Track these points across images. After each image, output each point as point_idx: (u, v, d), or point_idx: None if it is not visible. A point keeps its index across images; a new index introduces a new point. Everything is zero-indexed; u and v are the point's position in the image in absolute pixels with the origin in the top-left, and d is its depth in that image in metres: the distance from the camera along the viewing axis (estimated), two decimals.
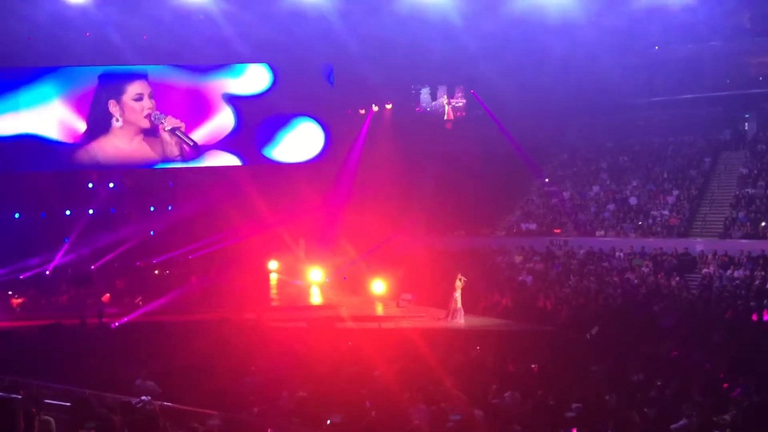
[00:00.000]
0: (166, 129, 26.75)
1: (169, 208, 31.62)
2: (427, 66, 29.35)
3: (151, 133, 27.06)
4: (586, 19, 22.48)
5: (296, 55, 26.41)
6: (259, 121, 28.10)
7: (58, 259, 27.65)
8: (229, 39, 24.42)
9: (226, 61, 27.18)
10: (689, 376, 12.74)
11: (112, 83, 27.01)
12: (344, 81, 27.83)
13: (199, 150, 27.40)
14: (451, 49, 25.63)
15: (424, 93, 33.57)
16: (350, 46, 24.76)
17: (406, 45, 25.54)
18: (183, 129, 26.99)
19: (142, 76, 26.96)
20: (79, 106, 26.89)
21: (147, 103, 26.86)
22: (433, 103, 33.39)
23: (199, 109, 27.79)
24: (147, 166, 28.07)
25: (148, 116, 26.77)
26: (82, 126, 26.97)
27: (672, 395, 11.33)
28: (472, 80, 31.66)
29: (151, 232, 30.23)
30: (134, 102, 26.83)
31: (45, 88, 26.51)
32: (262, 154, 28.75)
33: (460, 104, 32.75)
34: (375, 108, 32.38)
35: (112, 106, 26.85)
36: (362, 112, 32.53)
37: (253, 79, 27.76)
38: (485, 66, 27.15)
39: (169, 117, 26.89)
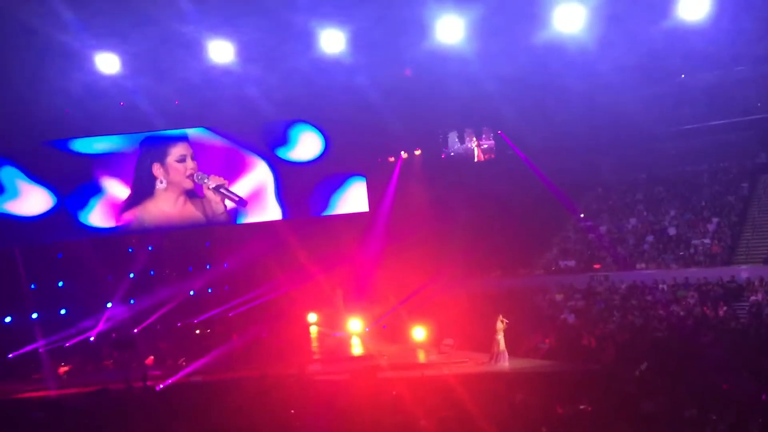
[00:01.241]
0: (210, 187, 27.21)
1: (207, 266, 32.03)
2: (452, 110, 29.55)
3: (194, 194, 27.57)
4: (606, 53, 22.51)
5: (322, 109, 26.80)
6: (303, 179, 28.36)
7: (102, 324, 28.06)
8: (253, 98, 24.93)
9: (259, 121, 27.62)
10: (745, 409, 12.33)
11: (155, 146, 27.71)
12: (371, 130, 28.13)
13: (244, 204, 27.68)
14: (474, 92, 25.80)
15: (452, 137, 33.79)
16: (373, 95, 25.08)
17: (429, 91, 25.79)
18: (227, 186, 27.40)
19: (183, 139, 27.64)
20: (123, 172, 27.63)
21: (190, 164, 27.43)
22: (462, 146, 33.56)
23: (237, 167, 28.27)
24: (193, 227, 28.47)
25: (191, 176, 27.30)
26: (125, 191, 27.65)
27: (728, 429, 10.98)
28: (498, 121, 31.80)
29: (191, 292, 30.59)
30: (178, 163, 27.41)
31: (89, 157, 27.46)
32: (307, 209, 28.86)
33: (489, 146, 32.87)
34: (404, 155, 32.65)
35: (156, 169, 27.50)
36: (392, 159, 32.80)
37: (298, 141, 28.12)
38: (510, 107, 27.25)
39: (213, 176, 27.38)
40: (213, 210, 27.54)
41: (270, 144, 27.95)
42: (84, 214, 27.34)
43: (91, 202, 27.46)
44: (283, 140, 27.87)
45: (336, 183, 28.10)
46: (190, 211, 27.73)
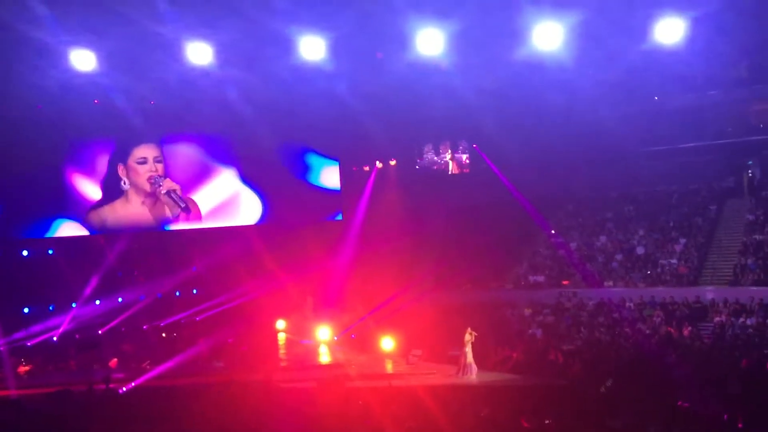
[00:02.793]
0: (162, 192, 27.16)
1: (175, 271, 31.67)
2: (430, 122, 29.70)
3: (152, 196, 27.45)
4: (584, 71, 22.80)
5: (301, 116, 26.76)
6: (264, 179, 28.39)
7: (65, 324, 27.58)
8: (232, 101, 24.80)
9: (233, 125, 27.53)
10: (707, 428, 12.49)
11: (122, 147, 27.52)
12: (347, 138, 28.15)
13: (188, 211, 27.64)
14: (452, 104, 25.96)
15: (428, 148, 33.89)
16: (351, 104, 25.10)
17: (407, 102, 25.90)
18: (179, 192, 27.35)
19: (152, 141, 27.47)
20: (94, 172, 27.41)
21: (150, 166, 27.32)
22: (437, 158, 33.68)
23: (206, 171, 28.19)
24: (151, 229, 28.31)
25: (150, 179, 27.21)
26: (97, 192, 27.39)
27: None
28: (474, 135, 31.98)
29: (158, 295, 30.22)
30: (138, 165, 27.31)
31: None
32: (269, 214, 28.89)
33: (465, 158, 33.01)
34: (379, 165, 32.67)
35: (120, 170, 27.29)
36: (366, 169, 32.80)
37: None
38: (486, 121, 27.45)
39: (167, 180, 27.29)
40: (167, 212, 27.53)
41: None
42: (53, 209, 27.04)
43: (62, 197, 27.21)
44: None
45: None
46: (146, 214, 27.73)
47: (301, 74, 22.49)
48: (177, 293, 31.19)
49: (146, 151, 27.47)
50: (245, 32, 20.25)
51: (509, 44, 20.93)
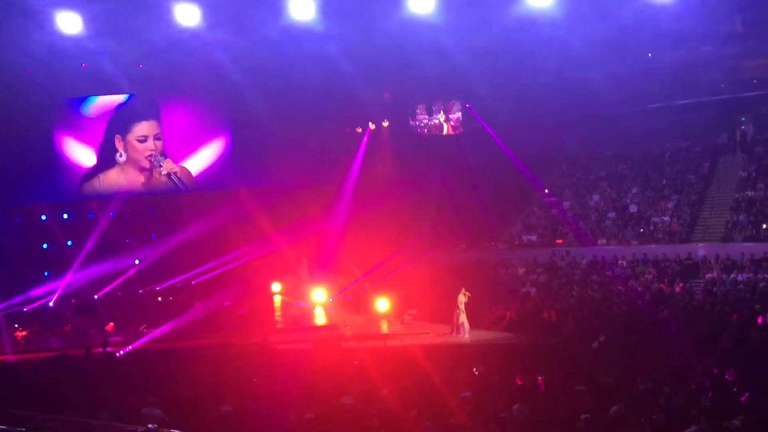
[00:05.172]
0: (163, 173, 27.12)
1: (171, 233, 31.63)
2: (422, 82, 29.45)
3: (148, 171, 27.37)
4: (576, 29, 22.56)
5: (291, 77, 26.47)
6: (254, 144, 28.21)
7: (61, 289, 27.64)
8: (222, 64, 24.51)
9: (224, 88, 27.21)
10: (697, 382, 12.69)
11: (122, 118, 27.28)
12: (339, 100, 27.90)
13: (187, 190, 27.68)
14: (445, 64, 25.72)
15: (421, 109, 33.66)
16: (343, 65, 24.84)
17: (399, 62, 25.64)
18: (179, 174, 27.28)
19: (152, 117, 27.23)
20: (89, 137, 27.20)
21: (150, 144, 27.19)
22: (430, 118, 33.47)
23: (200, 137, 28.07)
24: (138, 195, 28.32)
25: (149, 157, 27.12)
26: (91, 157, 27.23)
27: (681, 402, 11.29)
28: (467, 95, 31.76)
29: (153, 259, 30.21)
30: (138, 143, 27.16)
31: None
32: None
33: (458, 119, 32.82)
34: (372, 126, 32.48)
35: (118, 142, 27.12)
36: (359, 130, 32.62)
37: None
38: (479, 80, 27.24)
39: (168, 160, 27.20)
40: (160, 189, 27.58)
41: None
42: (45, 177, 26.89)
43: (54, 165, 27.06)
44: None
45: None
46: (142, 185, 27.69)
47: (291, 35, 22.20)
48: (172, 257, 31.23)
49: (146, 129, 27.31)
50: None
51: (501, 2, 20.69)
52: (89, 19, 20.92)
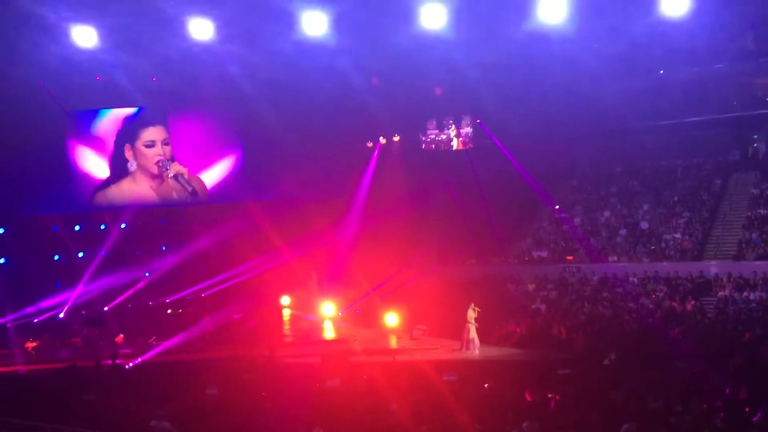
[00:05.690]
0: (170, 176, 27.14)
1: (182, 247, 31.72)
2: (433, 97, 29.53)
3: (159, 177, 27.44)
4: (588, 45, 22.58)
5: (303, 91, 26.59)
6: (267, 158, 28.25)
7: (72, 301, 27.73)
8: (235, 77, 24.65)
9: (236, 102, 27.34)
10: (709, 402, 12.56)
11: (130, 127, 27.42)
12: (350, 115, 27.99)
13: (195, 195, 27.65)
14: (455, 79, 25.79)
15: (432, 124, 33.70)
16: (354, 80, 24.94)
17: (411, 77, 25.72)
18: (186, 175, 27.31)
19: (159, 122, 27.33)
20: (102, 148, 27.35)
21: (158, 149, 27.24)
22: (441, 133, 33.49)
23: (212, 151, 28.14)
24: (153, 206, 28.34)
25: (158, 163, 27.18)
26: (105, 169, 27.35)
27: (692, 421, 11.18)
28: (478, 110, 31.79)
29: (164, 272, 30.28)
30: (146, 148, 27.23)
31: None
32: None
33: (468, 133, 32.84)
34: (383, 140, 32.58)
35: (127, 150, 27.25)
36: (370, 145, 32.70)
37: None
38: (490, 96, 27.27)
39: (175, 163, 27.23)
40: (173, 197, 27.53)
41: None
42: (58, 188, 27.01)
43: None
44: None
45: None
46: (153, 195, 27.70)
47: (303, 50, 22.30)
48: (182, 270, 31.31)
49: (154, 134, 27.35)
50: (246, 7, 20.10)
51: (513, 17, 20.72)
52: (104, 33, 21.10)
